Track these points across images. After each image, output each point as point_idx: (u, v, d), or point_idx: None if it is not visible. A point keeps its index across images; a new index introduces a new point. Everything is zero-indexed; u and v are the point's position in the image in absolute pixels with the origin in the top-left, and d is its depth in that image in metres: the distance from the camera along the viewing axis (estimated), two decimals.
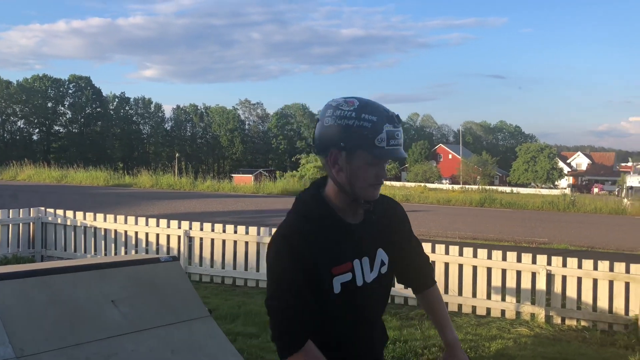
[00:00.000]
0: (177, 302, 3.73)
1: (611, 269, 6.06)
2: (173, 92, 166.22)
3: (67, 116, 74.54)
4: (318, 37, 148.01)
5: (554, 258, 6.30)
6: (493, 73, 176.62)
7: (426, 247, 6.07)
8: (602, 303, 6.06)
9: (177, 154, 56.80)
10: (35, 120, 71.91)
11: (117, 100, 77.52)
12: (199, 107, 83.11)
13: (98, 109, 74.69)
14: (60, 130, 74.81)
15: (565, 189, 54.93)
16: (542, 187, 59.51)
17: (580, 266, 6.16)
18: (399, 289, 6.31)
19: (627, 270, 5.99)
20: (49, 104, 71.95)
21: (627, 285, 5.98)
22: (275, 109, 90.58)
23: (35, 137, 73.41)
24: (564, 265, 6.22)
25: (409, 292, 6.07)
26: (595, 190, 55.10)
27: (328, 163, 1.61)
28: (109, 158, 64.45)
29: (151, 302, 3.62)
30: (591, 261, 6.16)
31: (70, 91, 74.02)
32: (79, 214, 8.03)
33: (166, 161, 56.67)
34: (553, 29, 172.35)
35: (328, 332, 1.63)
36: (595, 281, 6.11)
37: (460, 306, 6.55)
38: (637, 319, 5.78)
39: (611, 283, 6.05)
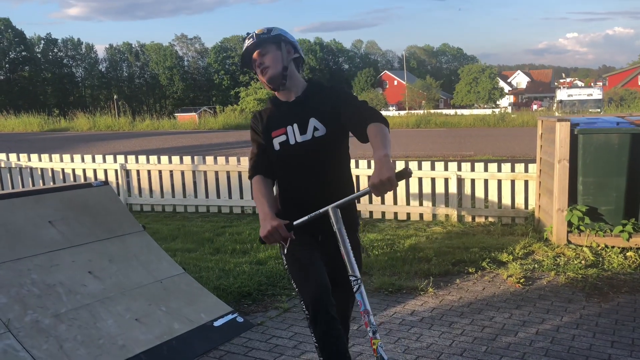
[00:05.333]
0: (110, 221, 4.10)
1: (512, 170, 6.81)
2: (103, 31, 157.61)
3: None
4: None
5: (463, 164, 6.98)
6: None
7: (351, 165, 6.51)
8: (506, 200, 6.85)
9: (114, 96, 54.64)
10: None
11: (43, 42, 72.43)
12: (133, 46, 79.06)
13: (23, 53, 69.77)
14: None
15: (506, 107, 56.43)
16: (484, 107, 61.05)
17: (486, 169, 6.88)
18: None
19: (526, 170, 6.76)
20: None
21: (526, 183, 6.77)
22: (214, 42, 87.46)
23: None
24: (472, 169, 6.92)
25: None
26: (535, 107, 57.08)
27: None
28: (42, 104, 61.18)
29: (86, 222, 3.97)
30: (495, 164, 6.88)
31: None
32: (12, 155, 8.08)
33: (104, 104, 54.50)
34: None
35: (280, 178, 2.40)
36: (499, 182, 6.86)
37: (383, 213, 7.22)
38: (534, 211, 6.61)
39: (513, 182, 6.81)
